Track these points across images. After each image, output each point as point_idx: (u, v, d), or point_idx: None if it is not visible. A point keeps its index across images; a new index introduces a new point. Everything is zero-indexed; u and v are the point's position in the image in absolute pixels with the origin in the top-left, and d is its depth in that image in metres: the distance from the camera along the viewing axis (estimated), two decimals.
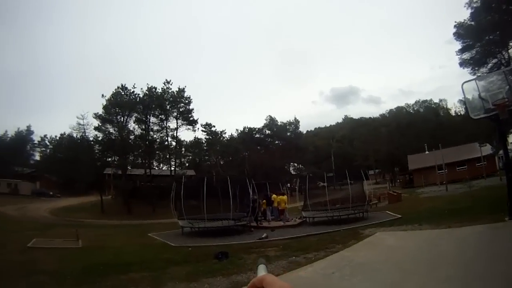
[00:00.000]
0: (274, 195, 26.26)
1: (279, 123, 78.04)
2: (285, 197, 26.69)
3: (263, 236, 17.57)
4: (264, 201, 26.23)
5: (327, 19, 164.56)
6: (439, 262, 8.38)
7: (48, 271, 11.17)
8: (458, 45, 44.51)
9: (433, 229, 13.63)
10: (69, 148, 68.80)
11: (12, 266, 11.68)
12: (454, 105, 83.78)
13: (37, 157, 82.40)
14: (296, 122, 78.86)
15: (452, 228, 12.94)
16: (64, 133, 73.92)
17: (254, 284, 0.89)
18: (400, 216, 19.21)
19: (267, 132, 78.31)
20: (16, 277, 10.00)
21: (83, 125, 50.16)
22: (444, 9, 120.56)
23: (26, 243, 16.51)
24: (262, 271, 1.03)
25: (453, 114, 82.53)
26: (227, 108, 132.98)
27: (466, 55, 43.79)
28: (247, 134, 77.63)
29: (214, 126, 72.66)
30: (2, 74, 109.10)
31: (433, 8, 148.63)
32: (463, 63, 44.19)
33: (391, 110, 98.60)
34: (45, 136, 79.36)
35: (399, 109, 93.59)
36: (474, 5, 40.22)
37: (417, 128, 72.11)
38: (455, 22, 44.37)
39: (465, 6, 40.90)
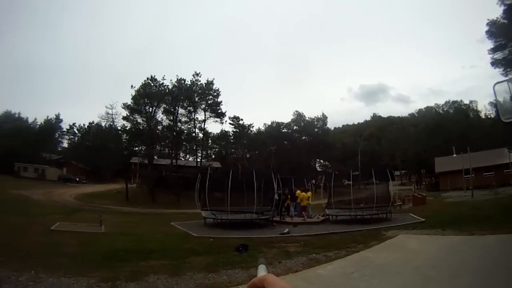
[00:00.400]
0: (298, 191, 25.84)
1: (307, 119, 77.07)
2: (309, 193, 26.14)
3: (285, 231, 17.33)
4: (289, 196, 25.85)
5: (357, 14, 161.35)
6: (460, 270, 8.25)
7: (69, 253, 11.22)
8: (490, 44, 42.67)
9: (456, 235, 13.45)
10: (97, 136, 70.26)
11: (34, 247, 11.76)
12: (484, 107, 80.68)
13: (65, 145, 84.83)
14: (324, 118, 77.69)
15: (476, 235, 12.71)
16: (93, 122, 75.42)
17: (255, 283, 0.88)
18: (423, 219, 18.70)
19: (295, 127, 77.50)
20: (38, 258, 9.99)
21: (112, 114, 50.88)
22: (476, 6, 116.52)
23: (50, 226, 16.67)
24: (262, 271, 1.01)
25: (483, 117, 79.97)
26: (255, 102, 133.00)
27: (498, 55, 41.86)
28: (275, 129, 77.22)
29: (242, 120, 72.46)
30: (35, 64, 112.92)
31: (465, 5, 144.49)
32: (495, 63, 42.32)
33: (420, 109, 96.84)
34: (73, 124, 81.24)
35: (428, 109, 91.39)
36: (507, 2, 38.24)
37: (446, 129, 70.24)
38: (488, 19, 42.35)
39: (498, 3, 38.99)
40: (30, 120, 78.44)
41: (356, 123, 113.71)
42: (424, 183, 63.41)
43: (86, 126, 79.59)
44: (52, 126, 78.55)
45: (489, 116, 76.47)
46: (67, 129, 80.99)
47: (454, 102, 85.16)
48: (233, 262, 10.43)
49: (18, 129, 67.51)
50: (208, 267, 10.06)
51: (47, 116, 79.05)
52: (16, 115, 76.33)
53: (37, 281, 7.96)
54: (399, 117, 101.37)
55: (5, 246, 11.10)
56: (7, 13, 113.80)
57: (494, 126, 58.38)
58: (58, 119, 79.24)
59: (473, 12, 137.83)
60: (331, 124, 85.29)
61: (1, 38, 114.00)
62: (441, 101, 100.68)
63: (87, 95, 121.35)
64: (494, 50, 42.07)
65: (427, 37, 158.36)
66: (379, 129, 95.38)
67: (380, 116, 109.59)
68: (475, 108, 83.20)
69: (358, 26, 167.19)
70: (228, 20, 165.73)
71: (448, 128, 70.58)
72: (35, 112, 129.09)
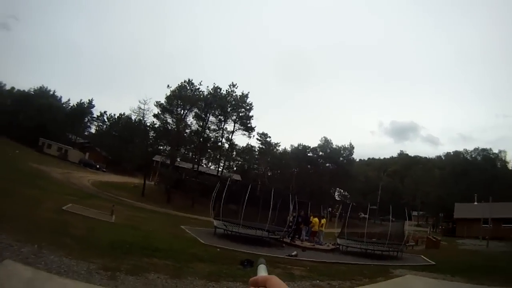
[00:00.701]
0: (314, 218, 25.42)
1: (333, 146, 76.24)
2: (323, 220, 25.81)
3: (293, 253, 16.99)
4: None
5: (396, 51, 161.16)
6: None
7: (76, 236, 11.19)
8: None
9: (465, 283, 13.01)
10: (125, 128, 71.63)
11: (43, 223, 11.82)
12: None
13: (93, 130, 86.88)
14: (350, 148, 76.57)
15: (485, 285, 12.28)
16: (123, 114, 76.90)
17: (257, 282, 0.88)
18: (434, 263, 18.12)
19: (321, 153, 76.79)
20: (44, 234, 9.96)
21: (143, 109, 51.39)
22: None
23: (62, 205, 16.81)
24: (262, 271, 1.00)
25: (510, 168, 78.13)
26: (285, 122, 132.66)
27: None
28: (300, 151, 76.94)
29: (269, 137, 72.72)
30: (81, 48, 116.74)
31: (506, 50, 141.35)
32: None
33: (448, 153, 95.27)
34: (104, 112, 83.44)
35: (456, 153, 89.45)
36: None
37: (471, 176, 68.59)
38: None
39: None
40: (64, 100, 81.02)
41: (382, 158, 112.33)
42: (440, 227, 61.85)
43: (116, 117, 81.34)
44: (83, 109, 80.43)
45: None
46: (97, 115, 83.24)
47: (483, 149, 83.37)
48: (235, 275, 10.26)
49: (50, 105, 69.43)
50: (210, 275, 9.91)
51: (81, 100, 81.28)
52: (51, 92, 78.64)
53: (38, 255, 7.91)
54: (425, 157, 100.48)
55: (14, 216, 11.19)
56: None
57: None
58: (90, 104, 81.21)
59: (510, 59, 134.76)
60: (357, 156, 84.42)
61: (49, 18, 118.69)
62: (469, 147, 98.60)
63: (123, 87, 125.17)
64: None
65: (462, 82, 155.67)
66: (404, 167, 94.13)
67: (407, 154, 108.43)
68: (503, 158, 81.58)
69: (396, 61, 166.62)
70: (267, 36, 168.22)
71: (473, 175, 69.01)
72: (70, 93, 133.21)
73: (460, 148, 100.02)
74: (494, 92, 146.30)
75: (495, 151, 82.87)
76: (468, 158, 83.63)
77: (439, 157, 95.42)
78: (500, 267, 16.24)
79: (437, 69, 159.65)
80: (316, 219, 25.22)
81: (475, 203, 47.94)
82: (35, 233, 9.75)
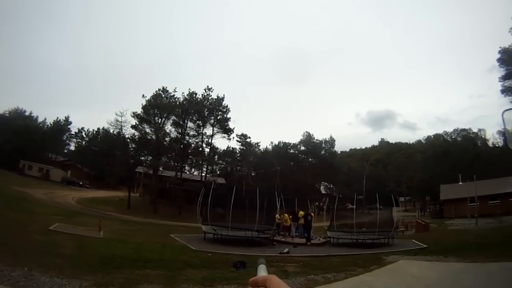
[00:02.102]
0: (300, 212, 25.62)
1: (315, 141, 76.90)
2: (312, 215, 26.05)
3: (284, 251, 17.16)
4: (290, 216, 25.61)
5: (366, 40, 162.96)
6: None
7: (65, 255, 11.14)
8: (500, 73, 42.62)
9: (458, 262, 13.30)
10: (104, 142, 70.94)
11: (31, 245, 11.73)
12: (492, 136, 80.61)
13: (72, 148, 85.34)
14: (332, 141, 77.39)
15: (478, 263, 12.57)
16: (102, 128, 75.99)
17: (257, 282, 0.89)
18: (425, 246, 18.45)
19: (302, 148, 77.41)
20: (33, 256, 9.90)
21: (121, 122, 50.73)
22: (485, 36, 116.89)
23: (49, 226, 16.65)
24: (262, 271, 1.01)
25: (491, 146, 79.55)
26: (263, 121, 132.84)
27: (508, 82, 41.78)
28: (282, 149, 77.26)
29: (249, 137, 72.75)
30: (50, 66, 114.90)
31: (474, 34, 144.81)
32: (505, 91, 42.27)
33: (428, 136, 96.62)
34: (82, 128, 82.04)
35: (436, 136, 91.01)
36: None
37: (453, 157, 69.59)
38: (500, 47, 42.34)
39: (509, 32, 38.99)
40: (40, 120, 79.52)
41: (363, 147, 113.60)
42: (428, 210, 62.78)
43: (94, 131, 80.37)
44: (60, 127, 79.22)
45: (496, 145, 76.81)
46: (75, 132, 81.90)
47: (463, 130, 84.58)
48: (229, 278, 10.29)
49: (26, 127, 68.07)
50: (203, 280, 9.93)
51: (57, 118, 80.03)
52: (27, 113, 77.39)
53: (29, 278, 7.87)
54: (406, 143, 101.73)
55: (2, 241, 11.06)
56: (27, 15, 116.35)
57: (501, 154, 58.20)
58: (67, 122, 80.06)
59: (482, 41, 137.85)
60: (337, 148, 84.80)
61: (20, 39, 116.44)
62: (448, 129, 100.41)
63: (98, 101, 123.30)
64: (504, 78, 42.06)
65: (434, 65, 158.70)
66: (386, 154, 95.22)
67: (387, 142, 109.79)
68: (483, 136, 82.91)
69: (368, 52, 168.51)
70: (241, 39, 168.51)
71: (455, 156, 70.00)
72: (46, 113, 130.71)
73: (439, 131, 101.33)
74: (466, 73, 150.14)
75: (475, 130, 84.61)
76: (449, 139, 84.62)
77: (420, 142, 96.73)
78: (491, 243, 16.51)
79: (409, 55, 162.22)
80: (302, 212, 25.42)
81: (460, 183, 48.70)
82: (24, 256, 9.67)
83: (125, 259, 11.67)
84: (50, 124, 79.10)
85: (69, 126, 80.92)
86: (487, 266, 11.78)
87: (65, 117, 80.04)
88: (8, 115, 75.20)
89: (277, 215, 23.50)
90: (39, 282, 7.73)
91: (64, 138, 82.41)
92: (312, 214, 25.58)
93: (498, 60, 42.51)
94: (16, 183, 41.41)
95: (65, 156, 79.48)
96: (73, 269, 9.20)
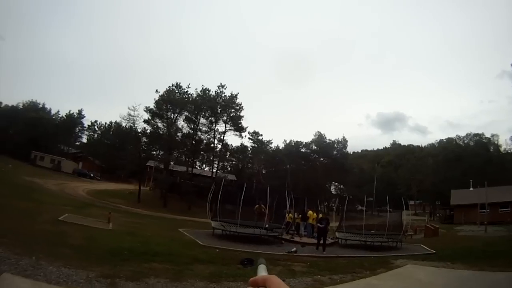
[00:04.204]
0: (310, 211, 25.44)
1: (327, 141, 76.44)
2: (321, 215, 25.81)
3: (292, 250, 17.03)
4: (300, 215, 25.45)
5: (377, 43, 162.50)
6: None
7: (73, 245, 11.14)
8: (508, 80, 41.90)
9: (466, 269, 13.05)
10: (116, 136, 71.73)
11: (39, 234, 11.75)
12: (505, 142, 79.08)
13: (84, 140, 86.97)
14: (344, 142, 76.59)
15: (486, 271, 12.31)
16: (115, 121, 76.73)
17: (257, 282, 0.88)
18: (434, 251, 18.15)
19: (314, 147, 76.93)
20: (41, 245, 9.91)
21: (133, 116, 51.23)
22: (495, 42, 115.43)
23: (58, 216, 16.70)
24: (262, 271, 1.00)
25: (503, 152, 78.50)
26: (275, 120, 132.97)
27: None
28: (293, 147, 77.04)
29: (261, 135, 72.72)
30: (66, 60, 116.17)
31: (484, 40, 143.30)
32: None
33: (441, 140, 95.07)
34: (95, 121, 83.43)
35: (449, 140, 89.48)
36: None
37: (465, 162, 68.80)
38: None
39: None
40: (53, 112, 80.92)
41: (375, 149, 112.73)
42: (438, 214, 62.08)
43: (106, 125, 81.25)
44: (73, 120, 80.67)
45: (509, 151, 75.75)
46: (88, 125, 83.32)
47: (476, 134, 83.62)
48: (236, 275, 10.22)
49: (40, 118, 69.10)
50: (210, 276, 9.90)
51: (70, 110, 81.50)
52: (40, 105, 78.38)
53: (36, 267, 7.85)
54: (418, 146, 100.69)
55: (11, 229, 11.12)
56: (44, 11, 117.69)
57: None
58: (80, 115, 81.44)
59: (491, 47, 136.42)
60: (349, 149, 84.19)
61: (36, 33, 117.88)
62: (460, 134, 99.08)
63: (111, 95, 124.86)
64: None
65: (445, 70, 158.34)
66: (398, 157, 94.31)
67: (399, 144, 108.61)
68: (496, 142, 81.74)
69: (379, 54, 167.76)
70: (254, 38, 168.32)
71: (467, 161, 69.18)
72: (60, 105, 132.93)
73: (449, 135, 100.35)
74: (476, 79, 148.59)
75: (487, 135, 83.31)
76: (461, 144, 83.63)
77: (432, 145, 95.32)
78: (499, 252, 16.20)
79: (419, 59, 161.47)
80: (310, 212, 25.25)
81: (471, 188, 48.11)
82: (33, 245, 9.68)
83: (133, 252, 11.64)
84: (63, 116, 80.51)
85: (82, 119, 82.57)
86: (494, 275, 11.62)
87: (79, 110, 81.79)
88: (22, 107, 76.66)
89: (290, 214, 23.34)
90: (46, 271, 7.71)
91: (77, 131, 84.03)
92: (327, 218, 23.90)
93: None
94: (27, 173, 42.03)
95: (77, 148, 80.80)
96: (81, 260, 9.18)
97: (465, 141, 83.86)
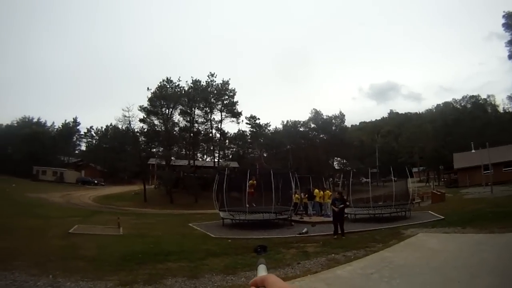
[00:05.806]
0: (316, 190, 25.50)
1: (324, 117, 76.28)
2: (327, 192, 25.88)
3: (303, 231, 17.08)
4: (306, 195, 25.49)
5: (362, 13, 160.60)
6: (480, 270, 8.01)
7: (87, 257, 11.19)
8: (501, 39, 41.72)
9: (476, 233, 13.12)
10: (114, 139, 71.65)
11: (52, 251, 11.76)
12: (502, 101, 78.54)
13: (83, 147, 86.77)
14: (341, 116, 76.56)
15: (496, 233, 12.43)
16: (110, 125, 76.54)
17: (256, 283, 0.90)
18: (443, 217, 18.32)
19: (312, 125, 76.91)
20: (56, 262, 9.97)
21: (129, 117, 51.29)
22: (482, 3, 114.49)
23: (68, 229, 16.71)
24: (262, 271, 1.06)
25: (501, 111, 77.78)
26: (270, 101, 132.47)
27: None
28: (292, 128, 77.11)
29: (258, 119, 72.68)
30: (52, 69, 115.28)
31: (470, 2, 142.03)
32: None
33: (438, 105, 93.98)
34: (91, 127, 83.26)
35: (446, 104, 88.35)
36: None
37: (464, 125, 68.50)
38: (504, 12, 41.11)
39: None
40: (49, 124, 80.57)
41: (374, 120, 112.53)
42: (443, 179, 62.20)
43: (103, 129, 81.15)
44: (70, 129, 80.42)
45: (507, 110, 75.22)
46: (84, 132, 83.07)
47: (472, 96, 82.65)
48: (251, 264, 10.11)
49: (36, 133, 68.87)
50: (226, 268, 9.94)
51: (65, 120, 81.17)
52: (35, 120, 78.19)
53: (55, 286, 7.90)
54: (416, 113, 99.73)
55: (23, 250, 11.18)
56: (23, 19, 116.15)
57: None
58: (75, 123, 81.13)
59: (478, 10, 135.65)
60: (347, 122, 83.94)
61: (19, 45, 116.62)
62: (455, 97, 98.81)
63: (104, 99, 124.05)
64: (510, 43, 40.89)
65: (433, 35, 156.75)
66: (397, 126, 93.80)
67: (397, 113, 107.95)
68: (493, 102, 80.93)
69: (367, 23, 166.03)
70: (243, 22, 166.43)
71: (466, 124, 68.87)
72: (54, 117, 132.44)
73: (444, 100, 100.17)
74: (464, 42, 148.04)
75: (483, 97, 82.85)
76: (458, 107, 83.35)
77: (429, 111, 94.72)
78: (508, 212, 16.29)
79: (406, 25, 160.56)
80: (316, 191, 25.31)
81: (473, 151, 48.09)
82: (47, 263, 9.74)
83: (146, 254, 11.73)
84: (59, 127, 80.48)
85: (78, 127, 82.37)
86: (505, 236, 11.72)
87: (73, 118, 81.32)
88: (16, 124, 76.34)
89: (296, 195, 23.37)
90: None
91: (74, 139, 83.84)
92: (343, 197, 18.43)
93: (503, 25, 41.42)
94: (31, 189, 42.12)
95: (77, 157, 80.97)
96: (97, 271, 9.26)
97: (462, 104, 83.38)
